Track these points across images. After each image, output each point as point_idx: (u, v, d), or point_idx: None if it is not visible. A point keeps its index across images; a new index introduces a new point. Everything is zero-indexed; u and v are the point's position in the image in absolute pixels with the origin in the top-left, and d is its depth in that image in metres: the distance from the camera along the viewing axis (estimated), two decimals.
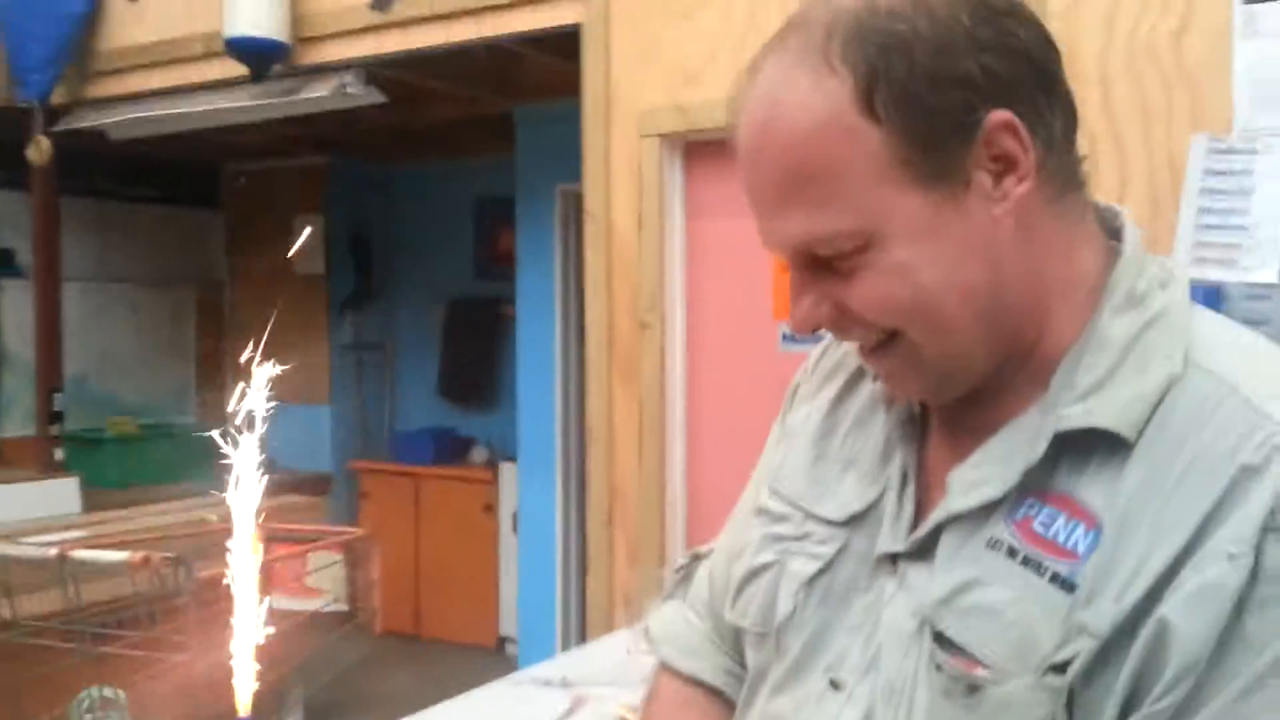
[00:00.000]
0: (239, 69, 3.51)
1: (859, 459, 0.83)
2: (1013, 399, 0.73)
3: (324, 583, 3.24)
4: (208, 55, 3.67)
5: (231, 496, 1.22)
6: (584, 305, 4.21)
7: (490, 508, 5.32)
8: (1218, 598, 0.61)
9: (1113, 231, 0.76)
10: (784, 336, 2.81)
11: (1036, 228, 0.71)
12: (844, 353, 0.90)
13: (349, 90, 3.54)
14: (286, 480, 5.53)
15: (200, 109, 3.84)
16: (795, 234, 0.71)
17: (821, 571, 0.80)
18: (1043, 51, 0.71)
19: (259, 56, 3.43)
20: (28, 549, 2.36)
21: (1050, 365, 0.72)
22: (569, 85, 3.16)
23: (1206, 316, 0.73)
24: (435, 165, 5.96)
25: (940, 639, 0.70)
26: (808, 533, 0.83)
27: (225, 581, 1.70)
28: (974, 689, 0.67)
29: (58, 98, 4.07)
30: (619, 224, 2.95)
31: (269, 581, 2.88)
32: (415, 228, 6.14)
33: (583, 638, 3.38)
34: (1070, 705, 0.65)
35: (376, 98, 3.66)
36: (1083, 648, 0.64)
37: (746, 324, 2.85)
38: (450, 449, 5.72)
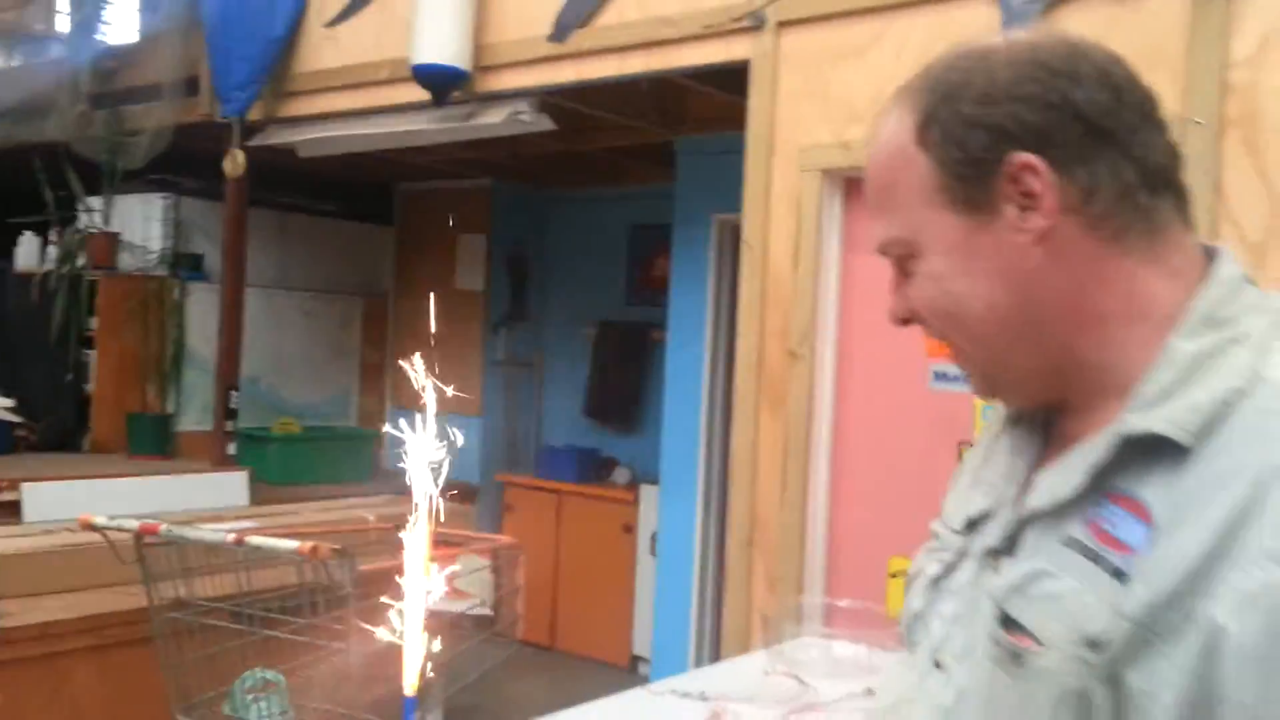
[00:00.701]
0: (421, 94, 3.71)
1: (988, 476, 0.93)
2: (1101, 415, 0.81)
3: (471, 586, 3.36)
4: (393, 80, 3.89)
5: (414, 490, 1.33)
6: (734, 333, 4.27)
7: (630, 528, 5.41)
8: (1267, 602, 0.66)
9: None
10: (935, 375, 2.80)
11: (1077, 259, 0.81)
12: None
13: (522, 117, 3.70)
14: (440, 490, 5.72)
15: (383, 130, 4.07)
16: (875, 237, 0.89)
17: (945, 573, 0.91)
18: (1099, 109, 0.80)
19: (441, 83, 3.63)
20: (208, 533, 2.53)
21: (1133, 384, 0.79)
22: (731, 118, 3.24)
23: None
24: (594, 191, 6.13)
25: (1006, 620, 0.79)
26: (943, 544, 0.95)
27: (395, 577, 1.83)
28: (1018, 658, 0.76)
29: (254, 115, 4.37)
30: (775, 255, 3.00)
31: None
32: (571, 251, 6.32)
33: (716, 660, 3.41)
34: (1116, 688, 0.71)
35: (547, 125, 3.81)
36: (1117, 628, 0.71)
37: (897, 361, 2.85)
38: (594, 468, 5.84)
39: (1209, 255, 0.83)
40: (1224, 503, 0.70)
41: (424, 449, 1.31)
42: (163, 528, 2.50)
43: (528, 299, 6.34)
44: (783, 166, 2.97)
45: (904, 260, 0.87)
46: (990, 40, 0.85)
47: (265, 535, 2.71)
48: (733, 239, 4.57)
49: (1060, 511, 0.80)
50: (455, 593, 3.24)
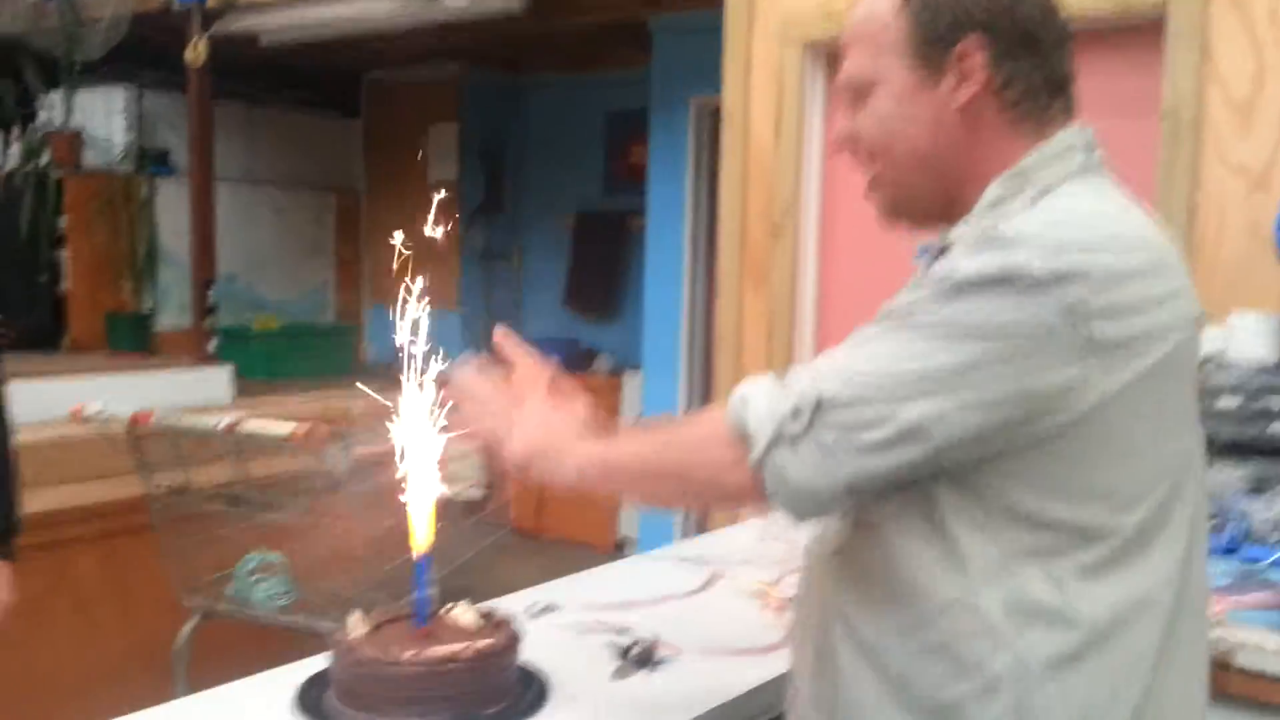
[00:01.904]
0: None
1: None
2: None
3: (459, 471, 3.40)
4: None
5: (410, 381, 1.39)
6: (714, 217, 4.25)
7: (614, 415, 5.47)
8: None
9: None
10: (921, 250, 2.82)
11: (982, 130, 1.07)
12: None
13: None
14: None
15: (348, 15, 3.96)
16: (844, 71, 1.12)
17: None
18: (1034, 21, 1.06)
19: None
20: (199, 421, 2.54)
21: None
22: None
23: (1083, 196, 1.03)
24: (568, 78, 6.02)
25: None
26: None
27: (389, 460, 1.84)
28: None
29: (213, 2, 4.24)
30: (756, 130, 2.97)
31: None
32: (546, 140, 6.23)
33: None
34: None
35: (516, 4, 3.72)
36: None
37: (881, 235, 2.86)
38: (575, 359, 5.87)
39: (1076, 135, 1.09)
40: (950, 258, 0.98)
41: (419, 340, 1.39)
42: (154, 417, 2.51)
43: (503, 190, 6.28)
44: (763, 39, 2.92)
45: (859, 93, 1.10)
46: None
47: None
48: (711, 122, 4.52)
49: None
50: (444, 478, 3.28)
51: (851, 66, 1.11)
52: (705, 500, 1.09)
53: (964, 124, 1.06)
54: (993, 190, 1.04)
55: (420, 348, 1.46)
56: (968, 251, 0.97)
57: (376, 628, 1.41)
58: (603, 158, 5.99)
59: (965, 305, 0.95)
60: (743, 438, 1.00)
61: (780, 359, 2.98)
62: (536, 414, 1.22)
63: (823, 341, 2.99)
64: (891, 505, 1.01)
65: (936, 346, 0.95)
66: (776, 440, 0.98)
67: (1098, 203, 1.03)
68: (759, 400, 1.00)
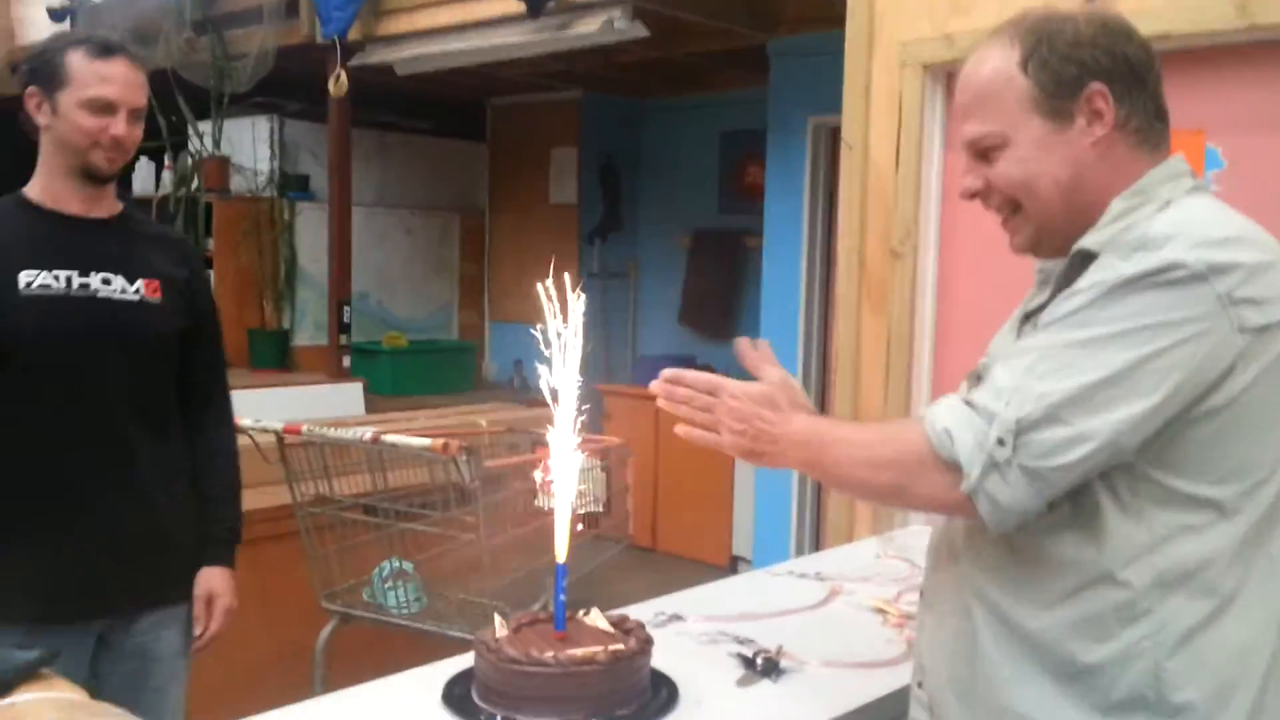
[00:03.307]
0: (516, 6, 3.77)
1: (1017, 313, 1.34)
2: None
3: (581, 486, 3.50)
4: None
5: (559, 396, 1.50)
6: (830, 237, 4.29)
7: None
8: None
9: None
10: (1039, 270, 2.81)
11: (1112, 157, 1.21)
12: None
13: (616, 25, 3.74)
14: (538, 398, 5.92)
15: (480, 44, 4.14)
16: (968, 133, 1.25)
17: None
18: (1141, 62, 1.22)
19: None
20: (347, 433, 2.69)
21: None
22: (824, 17, 3.22)
23: (1203, 203, 1.18)
24: (685, 99, 6.13)
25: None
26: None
27: (521, 470, 1.91)
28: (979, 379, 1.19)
29: (353, 34, 4.47)
30: (876, 154, 3.01)
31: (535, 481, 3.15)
32: (663, 160, 6.34)
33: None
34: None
35: (640, 32, 3.84)
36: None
37: (1001, 259, 2.85)
38: None
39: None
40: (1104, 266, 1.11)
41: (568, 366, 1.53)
42: (304, 428, 2.67)
43: (621, 210, 6.41)
44: (883, 62, 2.96)
45: (990, 150, 1.23)
46: (1067, 7, 1.26)
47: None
48: (828, 141, 4.56)
49: (1038, 311, 1.21)
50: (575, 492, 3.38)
51: (978, 126, 1.23)
52: (916, 509, 1.21)
53: (1099, 157, 1.20)
54: (1117, 205, 1.18)
55: (566, 369, 1.57)
56: (1122, 255, 1.10)
57: (517, 630, 1.51)
58: (718, 177, 6.07)
59: (1130, 305, 1.07)
60: (954, 467, 1.11)
61: (898, 380, 3.00)
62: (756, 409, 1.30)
63: (941, 365, 3.00)
64: None
65: (1112, 350, 1.07)
66: (987, 471, 1.09)
67: (1220, 210, 1.18)
68: (963, 433, 1.10)
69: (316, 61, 4.63)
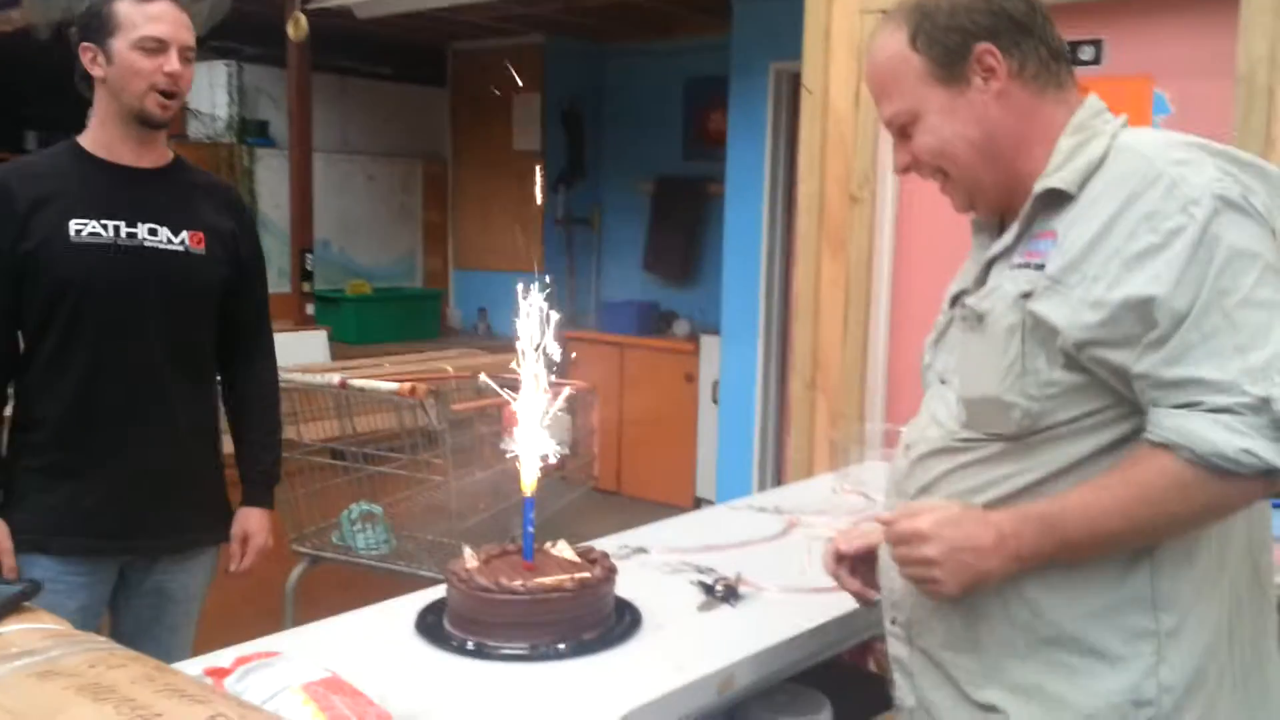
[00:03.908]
0: None
1: (964, 269, 1.38)
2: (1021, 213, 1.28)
3: (550, 429, 3.54)
4: None
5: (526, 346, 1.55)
6: (792, 183, 4.32)
7: (691, 377, 5.60)
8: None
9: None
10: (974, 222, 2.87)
11: (1016, 106, 1.27)
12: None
13: None
14: (503, 344, 5.97)
15: None
16: (884, 114, 1.33)
17: (940, 334, 1.38)
18: (1021, 12, 1.27)
19: None
20: (315, 377, 2.72)
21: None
22: None
23: (1144, 130, 1.26)
24: (648, 45, 6.11)
25: (968, 309, 1.27)
26: (938, 321, 1.40)
27: (489, 412, 1.95)
28: (980, 318, 1.25)
29: None
30: (835, 99, 3.05)
31: (501, 424, 3.19)
32: (627, 107, 6.34)
33: None
34: (1034, 317, 1.18)
35: None
36: (1038, 283, 1.19)
37: None
38: (654, 321, 6.00)
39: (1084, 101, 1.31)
40: (1100, 213, 1.17)
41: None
42: None
43: (584, 157, 6.40)
44: (842, 8, 2.99)
45: (905, 126, 1.30)
46: None
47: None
48: (790, 88, 4.59)
49: (1006, 254, 1.27)
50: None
51: (891, 108, 1.31)
52: (1195, 528, 1.18)
53: (1003, 108, 1.27)
54: (1065, 142, 1.24)
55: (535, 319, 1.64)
56: (1160, 200, 1.13)
57: (487, 561, 1.57)
58: (682, 124, 6.09)
59: (1229, 247, 1.11)
60: (1264, 473, 1.08)
61: (857, 322, 3.07)
62: (950, 540, 1.19)
63: (898, 308, 3.07)
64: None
65: (1271, 289, 1.11)
66: None
67: (1164, 134, 1.24)
68: (1256, 440, 1.07)
69: (275, 5, 4.58)
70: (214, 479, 2.13)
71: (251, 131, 5.54)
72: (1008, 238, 1.27)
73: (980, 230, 1.37)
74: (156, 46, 1.87)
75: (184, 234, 1.96)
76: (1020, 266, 1.23)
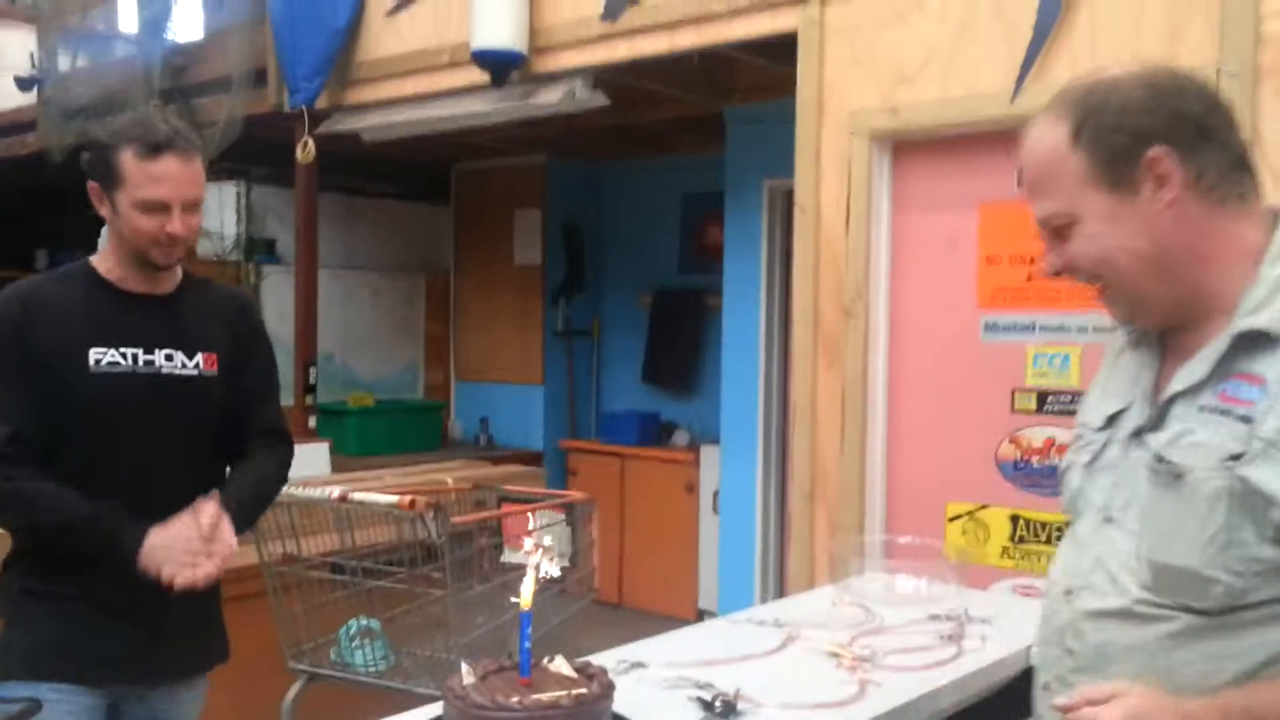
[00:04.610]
0: (480, 77, 3.88)
1: (1116, 386, 1.30)
2: (1211, 327, 1.18)
3: (549, 542, 3.53)
4: (453, 64, 4.07)
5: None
6: (788, 295, 4.41)
7: (692, 488, 5.60)
8: None
9: None
10: (986, 326, 2.93)
11: (1192, 220, 1.17)
12: (1124, 334, 1.35)
13: (577, 95, 3.86)
14: (504, 455, 6.00)
15: (445, 113, 4.24)
16: (1038, 213, 1.23)
17: (1094, 458, 1.27)
18: (1201, 116, 1.17)
19: (499, 65, 3.80)
20: (315, 492, 2.74)
21: (1235, 303, 1.16)
22: (779, 86, 3.36)
23: None
24: (646, 162, 6.28)
25: (1162, 461, 1.16)
26: (1086, 440, 1.31)
27: (484, 528, 1.96)
28: (1178, 478, 1.13)
29: (320, 103, 4.57)
30: (827, 217, 3.14)
31: (503, 537, 3.19)
32: (625, 222, 6.48)
33: None
34: (1246, 484, 1.08)
35: (601, 101, 3.96)
36: (1250, 446, 1.09)
37: (950, 314, 2.99)
38: (654, 431, 6.03)
39: (1274, 212, 1.22)
40: None
41: None
42: None
43: (584, 270, 6.52)
44: (832, 131, 3.10)
45: (1061, 228, 1.21)
46: (1113, 71, 1.21)
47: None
48: (784, 203, 4.71)
49: (1193, 392, 1.16)
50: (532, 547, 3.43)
51: (1046, 208, 1.21)
52: None
53: (1176, 221, 1.16)
54: (1269, 272, 1.15)
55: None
56: None
57: (484, 678, 1.56)
58: (679, 238, 6.22)
59: None
60: None
61: (854, 433, 3.10)
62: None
63: (895, 415, 3.11)
64: None
65: None
66: None
67: None
68: None
69: (284, 129, 4.72)
70: (216, 610, 2.13)
71: (259, 249, 5.66)
72: (1195, 374, 1.16)
73: (1141, 343, 1.27)
74: (159, 208, 1.87)
75: (198, 357, 2.00)
76: (1217, 412, 1.12)
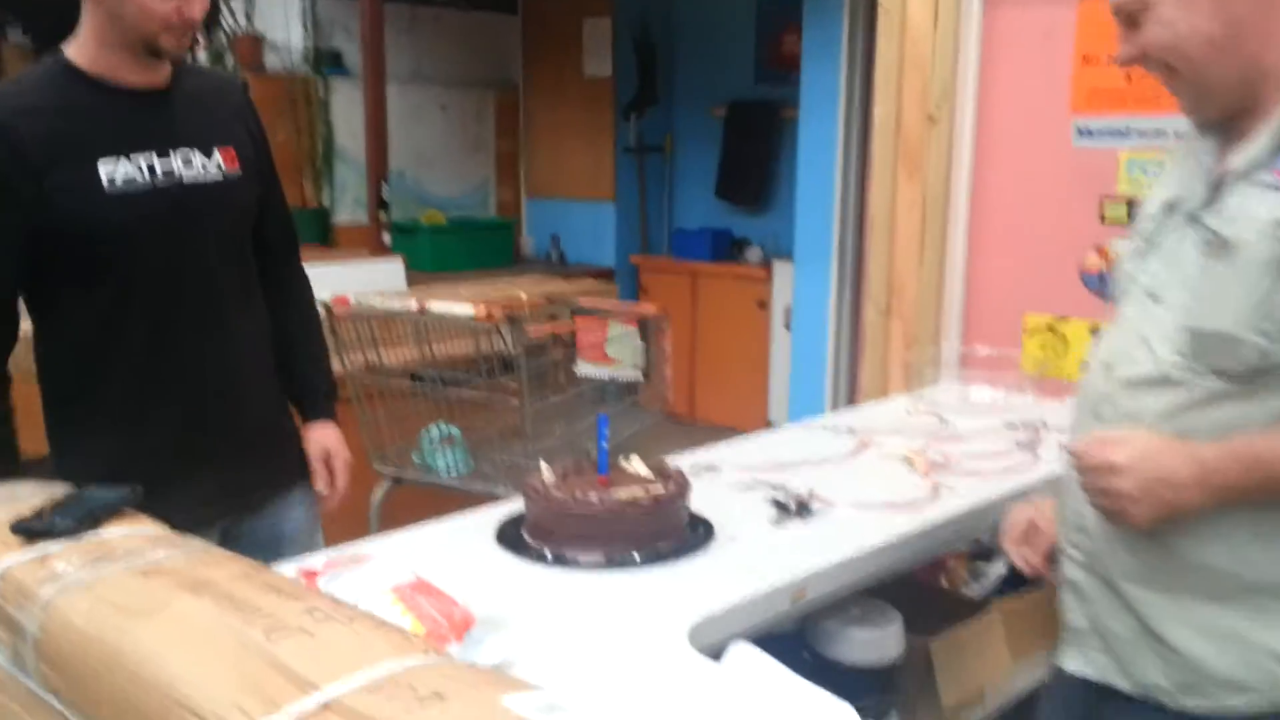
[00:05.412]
0: None
1: (1176, 176, 1.31)
2: (1275, 113, 1.18)
3: (621, 354, 3.57)
4: None
5: None
6: (869, 105, 4.24)
7: (764, 304, 5.58)
8: None
9: None
10: (1079, 131, 2.80)
11: (1273, 5, 1.15)
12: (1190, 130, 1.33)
13: None
14: (576, 272, 6.01)
15: None
16: (1112, 0, 1.23)
17: (1149, 241, 1.29)
18: None
19: None
20: (394, 303, 2.78)
21: None
22: None
23: None
24: None
25: (1210, 231, 1.18)
26: (1143, 230, 1.33)
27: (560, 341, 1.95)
28: (1226, 246, 1.16)
29: None
30: (913, 17, 2.97)
31: (576, 349, 3.23)
32: (698, 31, 6.24)
33: None
34: None
35: None
36: None
37: (1040, 119, 2.85)
38: (726, 247, 5.98)
39: None
40: None
41: None
42: (352, 300, 2.76)
43: (656, 83, 6.34)
44: None
45: (1134, 14, 1.20)
46: None
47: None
48: (866, 8, 4.47)
49: (1250, 170, 1.18)
50: (606, 359, 3.48)
51: None
52: None
53: (1252, 3, 1.15)
54: None
55: None
56: None
57: (564, 476, 1.60)
58: (754, 47, 5.98)
59: None
60: None
61: (934, 245, 3.03)
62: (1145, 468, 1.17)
63: (976, 231, 3.02)
64: None
65: None
66: None
67: None
68: None
69: None
70: (286, 414, 1.96)
71: (326, 62, 5.58)
72: (1254, 150, 1.17)
73: (1205, 130, 1.27)
74: None
75: (216, 155, 1.71)
76: (1273, 188, 1.14)
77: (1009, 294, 2.96)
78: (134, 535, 1.25)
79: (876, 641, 1.68)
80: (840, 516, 1.62)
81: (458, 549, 1.54)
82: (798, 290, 4.92)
